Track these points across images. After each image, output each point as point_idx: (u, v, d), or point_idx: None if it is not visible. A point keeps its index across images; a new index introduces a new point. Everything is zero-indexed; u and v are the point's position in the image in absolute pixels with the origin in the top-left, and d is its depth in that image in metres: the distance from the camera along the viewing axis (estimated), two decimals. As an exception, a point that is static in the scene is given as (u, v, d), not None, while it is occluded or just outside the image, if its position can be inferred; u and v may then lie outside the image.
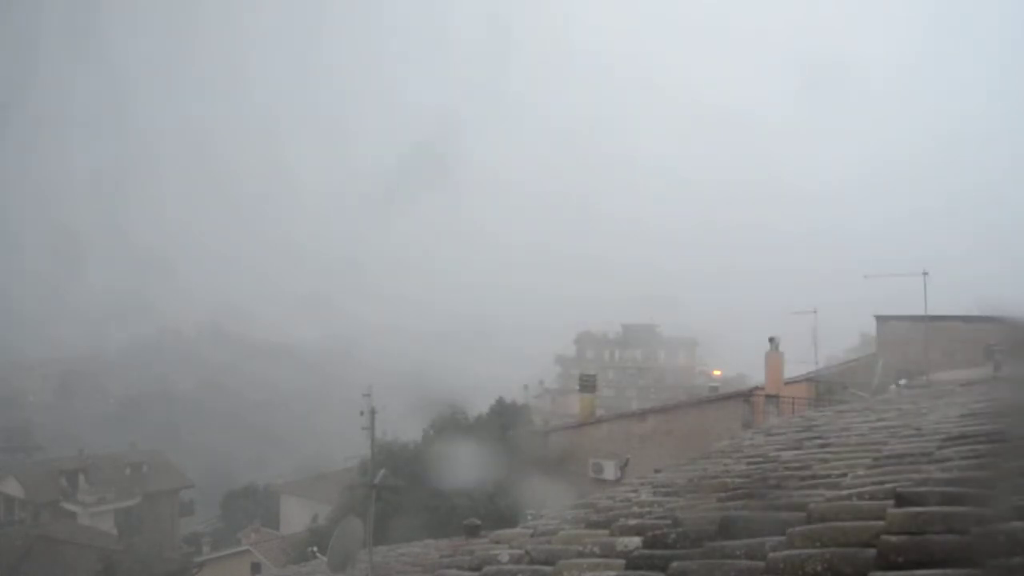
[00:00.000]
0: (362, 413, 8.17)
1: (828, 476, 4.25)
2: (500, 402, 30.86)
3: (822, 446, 5.81)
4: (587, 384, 23.59)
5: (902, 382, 12.89)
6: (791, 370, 19.01)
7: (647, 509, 4.57)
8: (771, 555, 2.84)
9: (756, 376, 20.56)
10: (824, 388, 18.54)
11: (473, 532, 10.01)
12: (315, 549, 14.98)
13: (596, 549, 3.74)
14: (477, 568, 4.32)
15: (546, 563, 3.80)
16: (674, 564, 3.04)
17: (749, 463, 5.76)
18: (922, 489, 3.18)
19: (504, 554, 4.34)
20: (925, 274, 15.12)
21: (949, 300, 17.44)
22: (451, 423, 30.87)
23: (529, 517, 7.69)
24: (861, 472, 4.11)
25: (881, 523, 2.80)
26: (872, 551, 2.57)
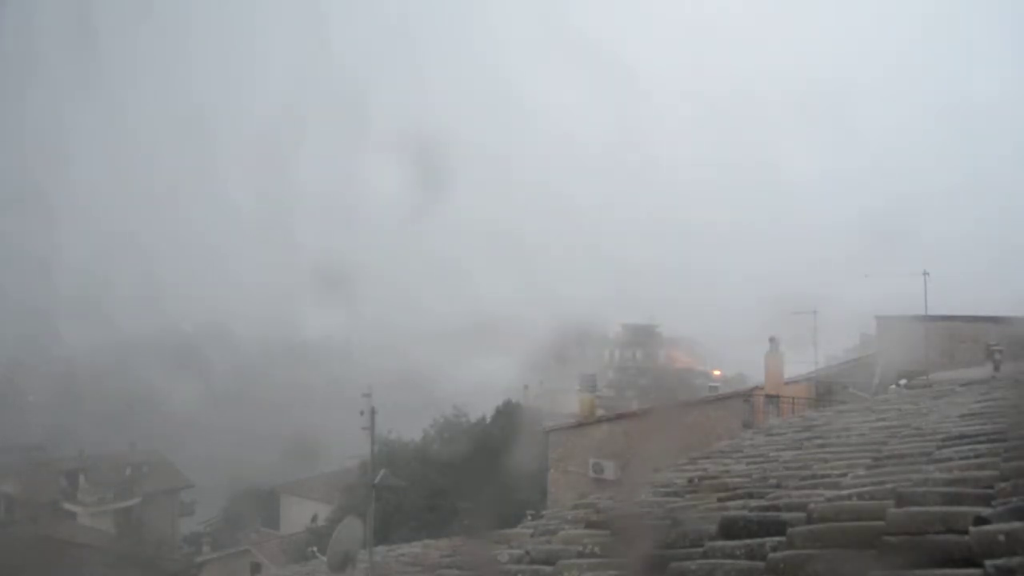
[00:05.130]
0: (362, 413, 8.17)
1: (828, 476, 4.25)
2: (507, 403, 30.94)
3: (822, 446, 5.82)
4: (587, 384, 23.59)
5: (902, 382, 12.86)
6: (791, 370, 19.00)
7: (647, 509, 4.56)
8: (771, 555, 2.84)
9: (756, 376, 20.53)
10: (824, 388, 18.54)
11: (473, 532, 10.01)
12: (315, 549, 14.98)
13: (596, 549, 3.74)
14: (477, 568, 4.32)
15: (546, 563, 3.80)
16: (674, 564, 3.04)
17: (749, 463, 5.77)
18: (922, 489, 3.18)
19: (504, 554, 4.34)
20: (925, 274, 15.11)
21: (949, 299, 17.42)
22: (452, 424, 30.95)
23: (529, 517, 7.68)
24: (861, 472, 4.12)
25: (881, 523, 2.80)
26: (872, 551, 2.57)
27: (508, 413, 29.98)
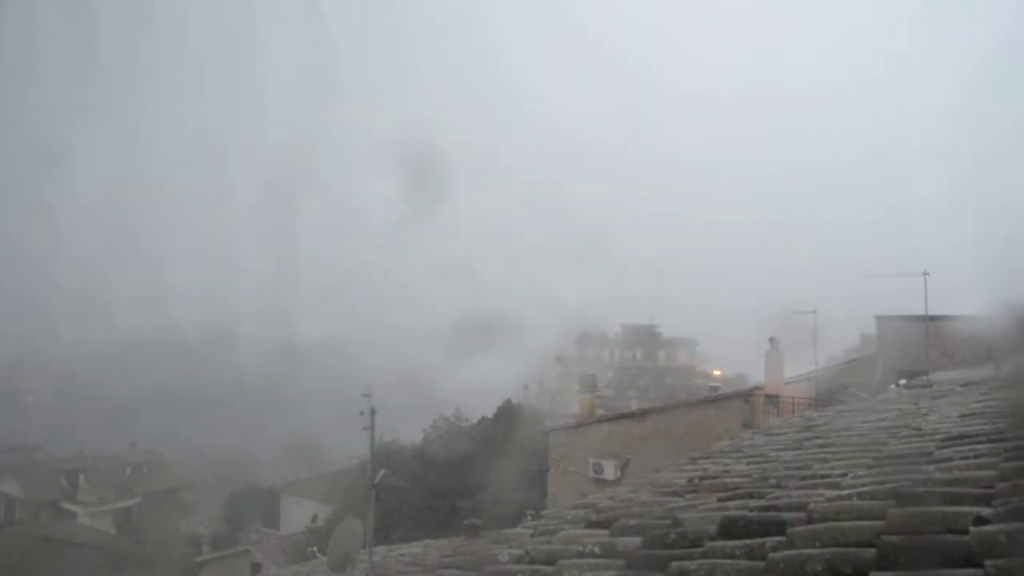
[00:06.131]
0: (362, 413, 8.18)
1: (828, 476, 4.25)
2: (508, 404, 30.98)
3: (822, 446, 5.82)
4: (587, 384, 23.60)
5: (902, 382, 12.86)
6: (791, 370, 18.99)
7: (647, 509, 4.56)
8: (771, 555, 2.84)
9: (756, 376, 20.52)
10: (824, 388, 18.53)
11: (473, 532, 10.04)
12: (315, 549, 15.00)
13: (596, 549, 3.74)
14: (477, 568, 4.32)
15: (546, 563, 3.80)
16: (674, 564, 3.04)
17: (749, 463, 5.77)
18: (922, 489, 3.18)
19: (504, 554, 4.33)
20: (926, 274, 15.10)
21: (949, 299, 17.40)
22: (453, 426, 30.98)
23: (529, 517, 7.69)
24: (861, 472, 4.12)
25: (881, 523, 2.80)
26: (872, 551, 2.57)
27: (509, 413, 30.01)
